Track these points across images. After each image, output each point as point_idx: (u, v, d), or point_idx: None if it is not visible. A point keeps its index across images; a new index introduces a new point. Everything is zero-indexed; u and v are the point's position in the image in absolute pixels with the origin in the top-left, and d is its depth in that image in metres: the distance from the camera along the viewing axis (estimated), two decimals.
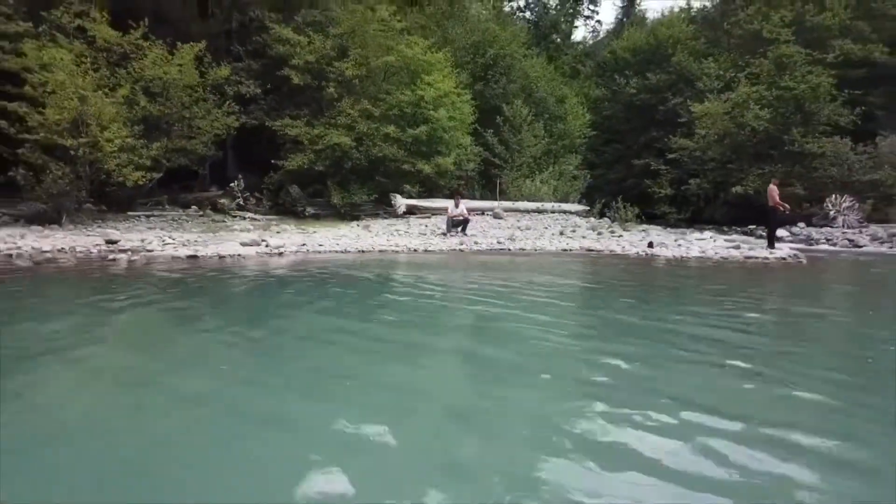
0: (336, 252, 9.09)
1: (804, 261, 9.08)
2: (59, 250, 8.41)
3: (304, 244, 9.31)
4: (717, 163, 21.69)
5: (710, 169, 21.89)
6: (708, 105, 22.01)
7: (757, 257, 9.02)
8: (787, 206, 11.12)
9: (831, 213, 18.63)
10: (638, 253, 9.84)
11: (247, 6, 16.64)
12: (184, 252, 7.95)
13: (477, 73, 21.66)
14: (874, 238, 15.13)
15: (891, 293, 6.66)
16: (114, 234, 9.89)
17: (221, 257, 7.78)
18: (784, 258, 8.92)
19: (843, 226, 18.04)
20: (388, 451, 1.78)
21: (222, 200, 15.70)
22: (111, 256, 7.65)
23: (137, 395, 2.34)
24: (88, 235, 10.16)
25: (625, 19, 45.95)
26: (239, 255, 8.05)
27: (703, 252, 9.86)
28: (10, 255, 7.81)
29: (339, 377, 2.64)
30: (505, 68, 22.14)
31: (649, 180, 24.03)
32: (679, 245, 10.73)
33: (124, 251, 8.20)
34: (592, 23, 61.48)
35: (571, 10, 57.15)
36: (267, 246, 8.70)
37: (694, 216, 23.21)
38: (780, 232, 15.18)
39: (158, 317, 4.19)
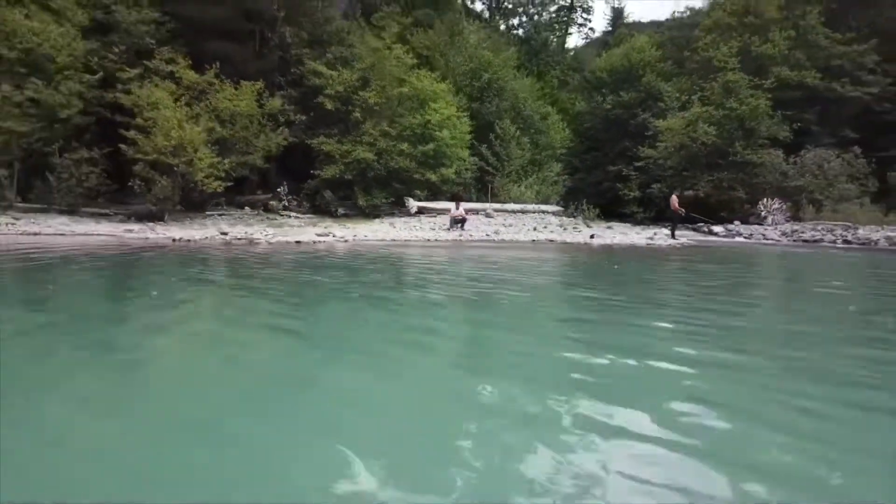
0: (377, 241, 13.45)
1: (678, 246, 13.43)
2: (190, 240, 12.73)
3: (354, 235, 13.67)
4: (675, 170, 26.06)
5: (669, 175, 26.25)
6: (669, 121, 26.38)
7: (657, 244, 13.42)
8: (682, 210, 15.60)
9: (763, 213, 23.03)
10: (582, 242, 14.24)
11: (289, 46, 20.93)
12: (288, 238, 12.30)
13: (474, 95, 25.99)
14: (783, 234, 19.54)
15: (694, 261, 11.00)
16: (224, 227, 14.26)
17: (315, 242, 12.13)
18: (677, 245, 13.29)
19: (772, 224, 22.45)
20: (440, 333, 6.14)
21: (272, 202, 20.05)
22: (249, 240, 11.98)
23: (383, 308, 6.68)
24: (199, 228, 14.52)
25: (611, 35, 50.36)
26: (316, 241, 12.40)
27: (629, 241, 14.25)
28: (176, 240, 12.14)
29: (435, 304, 7.00)
30: (497, 90, 26.49)
31: (621, 184, 28.35)
32: (614, 237, 15.13)
33: (239, 239, 12.54)
34: (585, 30, 65.71)
35: (565, 19, 61.70)
36: (333, 236, 13.06)
37: (657, 215, 27.56)
38: (690, 226, 19.69)
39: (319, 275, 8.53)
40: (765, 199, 23.26)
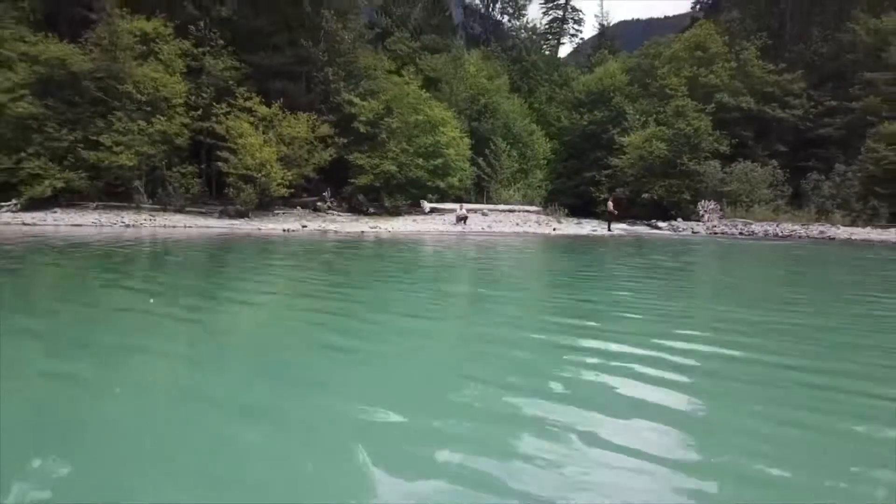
0: (408, 232, 19.82)
1: (608, 235, 19.83)
2: (295, 230, 19.08)
3: (390, 228, 20.06)
4: (636, 177, 32.50)
5: (631, 181, 32.69)
6: (631, 137, 32.81)
7: (597, 234, 19.87)
8: (616, 211, 22.17)
9: (700, 212, 29.45)
10: (548, 233, 20.68)
11: (330, 82, 27.25)
12: (350, 230, 18.69)
13: (472, 115, 32.37)
14: (707, 228, 25.99)
15: (610, 249, 17.40)
16: (303, 222, 20.68)
17: (366, 233, 18.51)
18: (609, 235, 19.74)
19: (707, 221, 28.85)
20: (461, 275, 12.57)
21: (318, 203, 26.43)
22: (323, 231, 18.35)
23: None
24: (279, 223, 20.89)
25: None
26: (368, 232, 18.76)
27: (579, 233, 20.69)
28: (288, 231, 18.50)
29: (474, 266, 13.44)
30: (492, 111, 32.89)
31: (593, 187, 34.77)
32: (571, 230, 21.59)
33: (320, 230, 18.91)
34: (577, 40, 72.36)
35: (557, 30, 68.28)
36: (379, 228, 19.45)
37: (622, 213, 33.97)
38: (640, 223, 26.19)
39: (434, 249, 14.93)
40: (703, 201, 29.70)
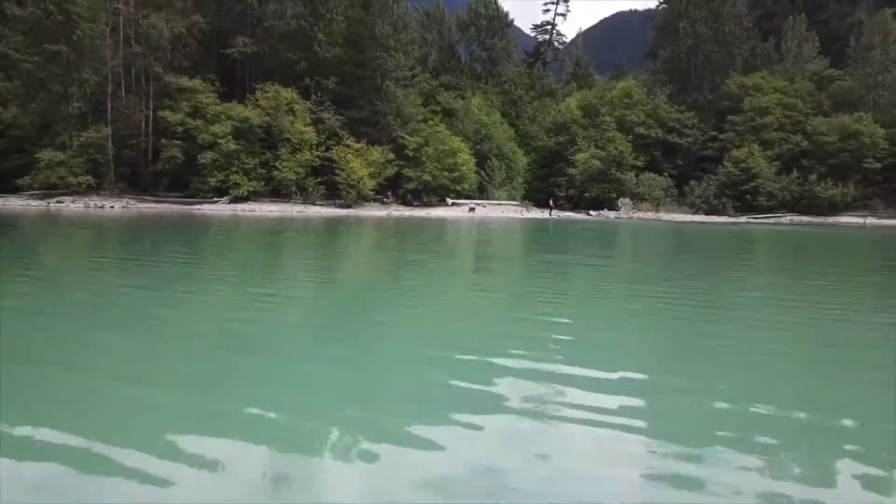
0: (443, 217, 38.15)
1: (548, 217, 38.29)
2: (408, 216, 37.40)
3: (434, 214, 38.40)
4: (582, 182, 50.87)
5: (579, 185, 51.07)
6: (580, 156, 51.10)
7: (544, 218, 38.33)
8: (553, 205, 40.90)
9: (619, 206, 47.84)
10: (519, 217, 39.16)
11: (392, 128, 45.41)
12: (417, 215, 37.12)
13: (476, 141, 50.64)
14: (618, 217, 44.45)
15: (545, 221, 35.84)
16: (389, 211, 39.25)
17: (428, 216, 36.92)
18: (549, 217, 38.21)
19: (621, 211, 47.27)
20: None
21: (384, 200, 44.75)
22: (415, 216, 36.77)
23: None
24: (375, 211, 39.30)
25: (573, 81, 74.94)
26: (424, 216, 37.12)
27: (535, 217, 39.20)
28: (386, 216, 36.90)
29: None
30: (488, 138, 51.16)
31: (556, 188, 53.05)
32: (533, 215, 40.12)
33: (413, 215, 37.34)
34: (560, 55, 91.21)
35: (544, 50, 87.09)
36: (430, 215, 37.79)
37: (575, 207, 52.34)
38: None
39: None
40: (622, 199, 48.13)
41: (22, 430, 3.28)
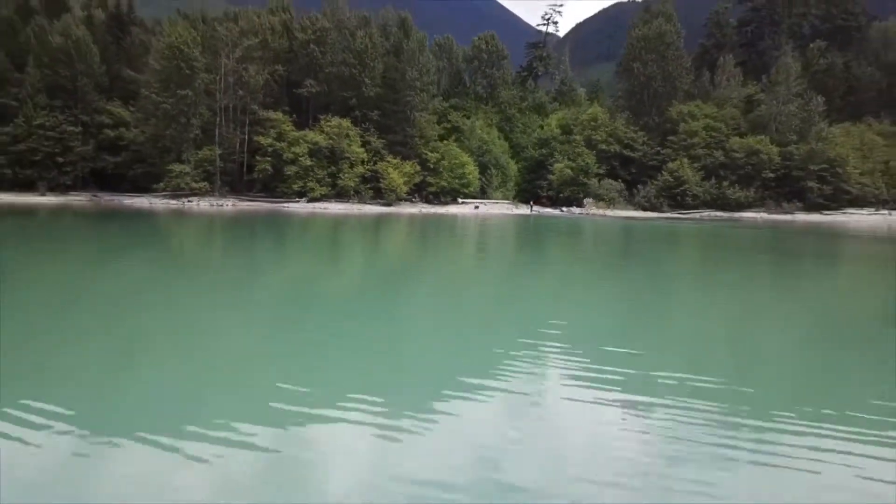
0: (456, 213, 55.89)
1: (530, 214, 56.14)
2: (441, 213, 55.18)
3: (450, 211, 56.18)
4: (559, 186, 68.55)
5: (556, 188, 68.77)
6: (557, 165, 68.80)
7: (526, 214, 56.19)
8: (533, 203, 58.84)
9: (585, 204, 65.60)
10: (511, 213, 57.03)
11: (418, 146, 63.06)
12: (440, 211, 55.02)
13: (478, 153, 68.29)
14: (581, 213, 62.28)
15: (529, 216, 53.64)
16: (417, 208, 57.30)
17: (446, 212, 54.78)
18: (532, 213, 56.04)
19: (586, 209, 65.06)
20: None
21: (412, 199, 62.54)
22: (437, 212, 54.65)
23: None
24: (408, 209, 57.21)
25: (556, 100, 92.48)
26: (444, 212, 54.93)
27: (522, 213, 57.11)
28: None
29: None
30: (488, 151, 68.86)
31: (540, 190, 70.69)
32: (521, 211, 58.08)
33: (437, 212, 55.22)
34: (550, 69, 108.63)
35: (536, 66, 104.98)
36: (448, 211, 55.59)
37: (553, 204, 70.00)
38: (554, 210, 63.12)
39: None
40: (587, 199, 65.90)
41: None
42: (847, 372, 9.04)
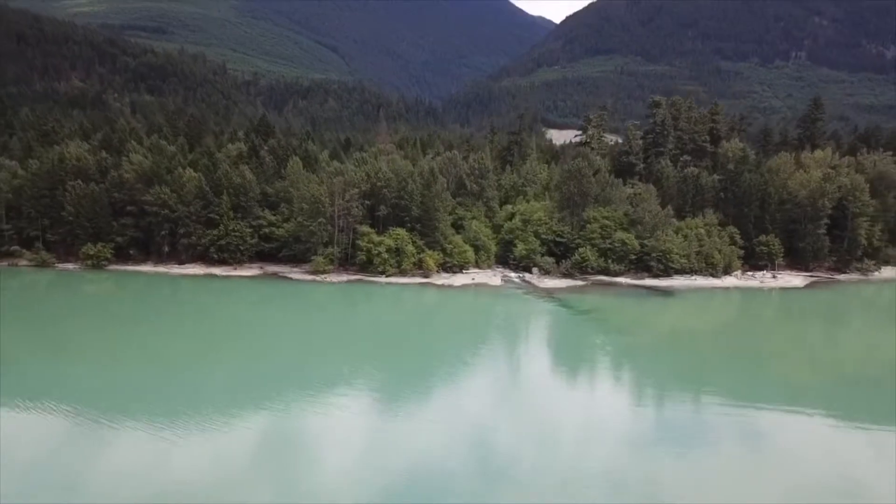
0: (465, 279, 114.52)
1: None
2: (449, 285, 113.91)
3: (465, 278, 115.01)
4: (519, 259, 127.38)
5: (517, 261, 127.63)
6: (519, 245, 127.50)
7: (503, 278, 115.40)
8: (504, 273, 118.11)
9: (533, 272, 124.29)
10: (497, 282, 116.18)
11: (439, 240, 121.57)
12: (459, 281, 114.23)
13: (473, 241, 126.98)
14: (529, 277, 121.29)
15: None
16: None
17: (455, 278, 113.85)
18: (505, 282, 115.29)
19: (534, 274, 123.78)
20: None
21: (438, 271, 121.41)
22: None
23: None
24: (442, 275, 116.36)
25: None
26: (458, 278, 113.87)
27: (503, 276, 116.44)
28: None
29: None
30: (479, 239, 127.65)
31: (512, 260, 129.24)
32: (503, 272, 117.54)
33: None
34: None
35: (513, 150, 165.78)
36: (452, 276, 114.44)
37: (515, 269, 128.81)
38: None
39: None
40: (534, 268, 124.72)
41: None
42: None
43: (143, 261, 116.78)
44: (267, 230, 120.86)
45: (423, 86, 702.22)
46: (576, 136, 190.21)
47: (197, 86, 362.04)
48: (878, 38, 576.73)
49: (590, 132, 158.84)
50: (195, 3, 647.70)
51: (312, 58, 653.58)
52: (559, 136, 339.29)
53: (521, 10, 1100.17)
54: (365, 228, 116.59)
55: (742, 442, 45.25)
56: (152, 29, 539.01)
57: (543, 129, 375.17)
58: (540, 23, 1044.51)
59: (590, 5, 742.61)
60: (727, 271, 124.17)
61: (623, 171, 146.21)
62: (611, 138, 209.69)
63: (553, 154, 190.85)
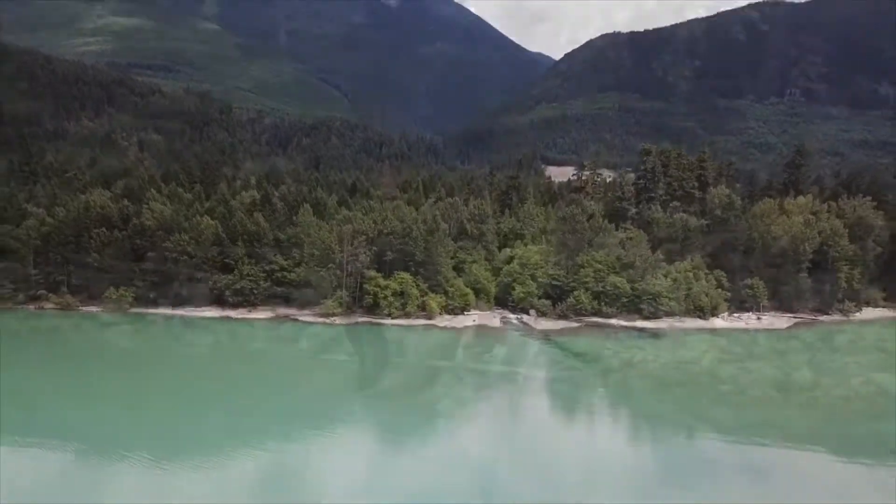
0: (467, 321, 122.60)
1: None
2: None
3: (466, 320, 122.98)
4: (517, 301, 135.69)
5: (516, 303, 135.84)
6: (518, 288, 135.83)
7: (502, 319, 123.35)
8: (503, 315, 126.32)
9: (531, 314, 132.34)
10: (496, 323, 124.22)
11: (441, 282, 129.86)
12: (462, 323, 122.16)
13: (473, 283, 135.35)
14: (527, 319, 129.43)
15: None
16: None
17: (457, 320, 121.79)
18: (503, 324, 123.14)
19: (531, 314, 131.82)
20: None
21: (441, 313, 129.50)
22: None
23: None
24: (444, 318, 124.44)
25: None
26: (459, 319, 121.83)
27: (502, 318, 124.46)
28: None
29: None
30: (479, 283, 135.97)
31: (512, 303, 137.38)
32: (501, 313, 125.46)
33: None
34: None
35: (509, 199, 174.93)
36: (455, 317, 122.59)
37: (513, 310, 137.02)
38: None
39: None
40: (531, 309, 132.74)
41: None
42: None
43: (163, 304, 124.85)
44: (279, 274, 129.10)
45: (425, 122, 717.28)
46: (573, 173, 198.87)
47: (203, 125, 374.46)
48: (872, 75, 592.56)
49: (584, 177, 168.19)
50: (201, 42, 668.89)
51: (316, 95, 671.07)
52: (558, 173, 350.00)
53: (521, 47, 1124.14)
54: (372, 273, 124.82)
55: (734, 478, 53.92)
56: (158, 67, 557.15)
57: (543, 167, 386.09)
58: (539, 59, 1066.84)
59: (588, 42, 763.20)
60: (714, 313, 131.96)
61: (617, 215, 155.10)
62: (608, 174, 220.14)
63: (551, 195, 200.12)
